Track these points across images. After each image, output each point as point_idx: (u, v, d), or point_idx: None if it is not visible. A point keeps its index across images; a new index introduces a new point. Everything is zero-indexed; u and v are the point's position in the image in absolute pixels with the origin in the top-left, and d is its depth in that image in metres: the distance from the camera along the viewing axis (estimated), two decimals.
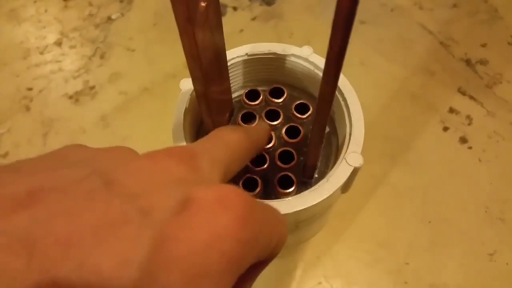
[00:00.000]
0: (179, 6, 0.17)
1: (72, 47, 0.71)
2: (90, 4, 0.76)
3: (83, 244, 0.10)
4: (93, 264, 0.10)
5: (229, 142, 0.18)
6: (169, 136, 0.28)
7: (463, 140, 0.56)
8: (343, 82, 0.26)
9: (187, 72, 0.22)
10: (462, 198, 0.53)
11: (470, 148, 0.56)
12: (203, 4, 0.20)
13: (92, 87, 0.65)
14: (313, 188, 0.22)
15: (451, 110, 0.59)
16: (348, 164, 0.23)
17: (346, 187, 0.24)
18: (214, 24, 0.22)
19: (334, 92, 0.19)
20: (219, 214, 0.12)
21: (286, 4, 0.75)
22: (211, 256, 0.11)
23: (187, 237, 0.11)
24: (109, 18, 0.74)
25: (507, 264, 0.49)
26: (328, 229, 0.51)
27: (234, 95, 0.29)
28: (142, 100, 0.63)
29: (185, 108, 0.25)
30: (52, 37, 0.72)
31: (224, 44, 0.23)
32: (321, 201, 0.22)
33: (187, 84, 0.25)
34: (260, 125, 0.25)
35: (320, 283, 0.49)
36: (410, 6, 0.70)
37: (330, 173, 0.23)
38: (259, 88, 0.29)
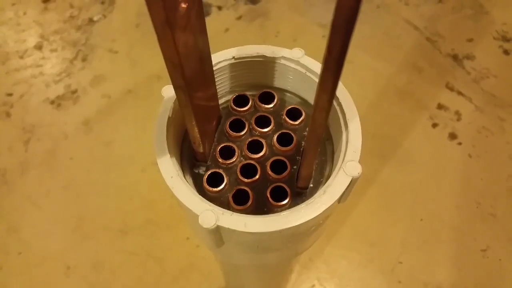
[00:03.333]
0: (156, 7, 0.16)
1: (53, 50, 0.69)
2: (71, 6, 0.74)
3: None
4: None
5: None
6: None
7: (453, 136, 0.56)
8: (339, 87, 0.25)
9: None
10: (453, 195, 0.53)
11: (459, 144, 0.56)
12: (183, 5, 0.19)
13: (74, 91, 0.64)
14: (309, 200, 0.21)
15: (440, 106, 0.59)
16: (346, 174, 0.22)
17: (343, 196, 0.23)
18: (197, 28, 0.20)
19: (332, 100, 0.18)
20: None
21: (272, 3, 0.74)
22: None
23: None
24: (91, 20, 0.72)
25: (499, 260, 0.49)
26: None
27: (221, 101, 0.27)
28: (125, 103, 0.62)
29: (168, 117, 0.23)
30: (32, 41, 0.70)
31: (209, 48, 0.22)
32: (318, 215, 0.21)
33: (170, 91, 0.24)
34: None
35: (313, 286, 0.48)
36: (396, 2, 0.70)
37: (327, 184, 0.22)
38: (248, 93, 0.27)
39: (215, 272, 0.49)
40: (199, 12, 0.20)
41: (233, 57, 0.26)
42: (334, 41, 0.14)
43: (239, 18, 0.72)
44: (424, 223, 0.51)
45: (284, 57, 0.26)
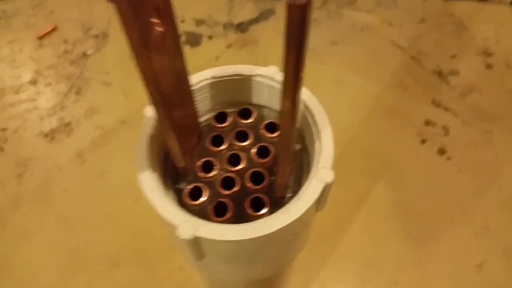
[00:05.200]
0: (131, 31, 0.17)
1: (47, 84, 0.71)
2: (65, 42, 0.76)
3: None
4: None
5: None
6: None
7: (441, 151, 0.57)
8: (309, 98, 0.25)
9: None
10: (446, 210, 0.53)
11: (449, 159, 0.56)
12: (158, 29, 0.20)
13: (68, 124, 0.65)
14: (285, 208, 0.22)
15: (427, 122, 0.59)
16: (319, 180, 0.22)
17: (320, 204, 0.24)
18: (172, 49, 0.21)
19: (295, 107, 0.19)
20: None
21: (260, 30, 0.76)
22: None
23: None
24: (85, 54, 0.74)
25: (495, 275, 0.48)
26: (314, 251, 0.50)
27: (202, 119, 0.28)
28: (119, 133, 0.63)
29: (150, 135, 0.24)
30: (27, 76, 0.72)
31: (185, 68, 0.23)
32: (294, 220, 0.21)
33: (152, 110, 0.25)
34: None
35: None
36: (380, 24, 0.72)
37: (302, 191, 0.22)
38: (228, 110, 0.28)
39: None
40: (174, 35, 0.21)
41: (212, 77, 0.27)
42: (289, 51, 0.15)
43: (229, 46, 0.74)
44: (418, 241, 0.51)
45: (260, 74, 0.27)
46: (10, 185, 0.57)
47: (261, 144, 0.26)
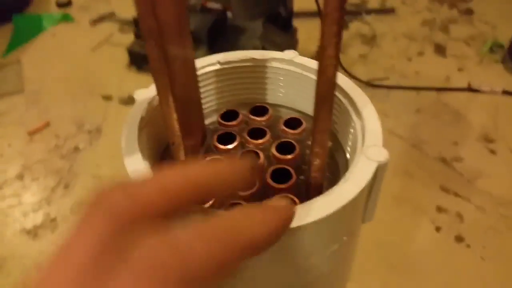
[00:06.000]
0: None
1: (34, 179, 0.67)
2: (57, 137, 0.74)
3: None
4: None
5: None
6: None
7: (459, 238, 0.53)
8: (343, 80, 0.22)
9: None
10: None
11: (468, 246, 0.52)
12: None
13: (53, 219, 0.60)
14: (326, 193, 0.17)
15: (439, 209, 0.56)
16: (369, 159, 0.18)
17: (369, 203, 0.19)
18: None
19: (337, 67, 0.16)
20: None
21: None
22: None
23: None
24: (76, 148, 0.72)
25: None
26: None
27: (208, 121, 0.24)
28: None
29: (141, 117, 0.20)
30: (13, 171, 0.68)
31: None
32: (341, 207, 0.16)
33: (143, 93, 0.21)
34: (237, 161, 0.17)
35: None
36: None
37: (348, 172, 0.18)
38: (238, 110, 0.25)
39: None
40: None
41: (218, 62, 0.24)
42: None
43: None
44: None
45: (275, 58, 0.24)
46: None
47: (283, 140, 0.22)
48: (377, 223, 0.54)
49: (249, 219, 0.14)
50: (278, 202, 0.15)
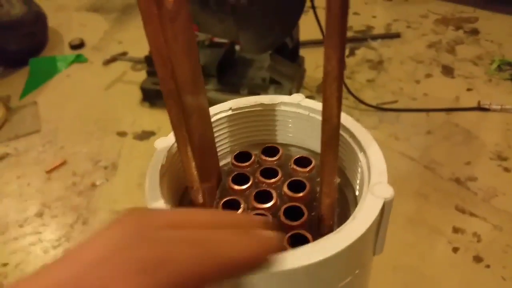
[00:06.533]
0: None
1: (53, 216, 0.68)
2: (74, 174, 0.76)
3: None
4: None
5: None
6: None
7: (478, 259, 0.52)
8: (345, 119, 0.23)
9: None
10: None
11: (488, 266, 0.51)
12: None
13: None
14: (336, 231, 0.18)
15: (455, 230, 0.56)
16: (375, 196, 0.19)
17: (379, 241, 0.20)
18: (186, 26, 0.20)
19: (339, 117, 0.17)
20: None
21: None
22: None
23: None
24: (93, 185, 0.74)
25: None
26: None
27: (222, 163, 0.26)
28: None
29: (162, 164, 0.22)
30: (33, 209, 0.70)
31: (197, 56, 0.21)
32: (349, 245, 0.17)
33: (162, 143, 0.23)
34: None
35: None
36: (385, 138, 0.73)
37: (356, 210, 0.19)
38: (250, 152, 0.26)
39: None
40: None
41: (231, 108, 0.25)
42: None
43: None
44: None
45: (284, 102, 0.25)
46: None
47: (293, 178, 0.23)
48: (393, 246, 0.54)
49: (234, 240, 0.16)
50: (267, 232, 0.16)
